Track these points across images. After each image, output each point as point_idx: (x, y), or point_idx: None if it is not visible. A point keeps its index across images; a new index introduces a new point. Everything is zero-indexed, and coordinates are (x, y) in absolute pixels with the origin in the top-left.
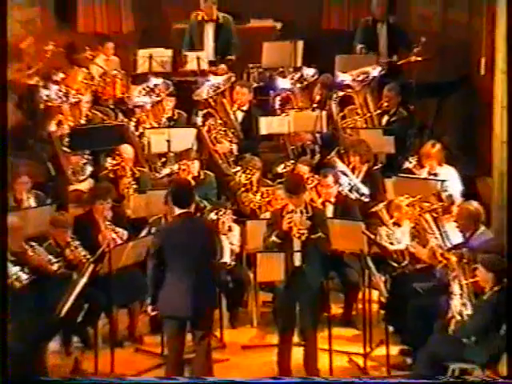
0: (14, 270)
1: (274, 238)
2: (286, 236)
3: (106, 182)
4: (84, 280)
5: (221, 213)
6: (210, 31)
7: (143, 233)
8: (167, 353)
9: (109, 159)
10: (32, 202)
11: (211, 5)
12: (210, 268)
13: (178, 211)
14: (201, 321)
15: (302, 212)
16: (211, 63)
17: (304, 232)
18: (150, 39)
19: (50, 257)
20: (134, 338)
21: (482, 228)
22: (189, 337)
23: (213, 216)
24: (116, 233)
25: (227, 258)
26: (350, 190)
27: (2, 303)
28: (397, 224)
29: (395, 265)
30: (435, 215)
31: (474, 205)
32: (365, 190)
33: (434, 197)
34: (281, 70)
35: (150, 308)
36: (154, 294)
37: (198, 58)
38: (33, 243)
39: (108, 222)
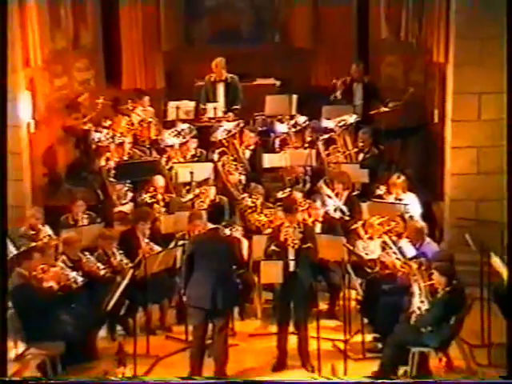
0: (71, 274)
1: (273, 247)
2: (282, 246)
3: (146, 206)
4: (125, 282)
5: (234, 229)
6: (220, 89)
7: (171, 245)
8: (192, 339)
9: (145, 187)
10: (85, 221)
11: (221, 69)
12: (231, 271)
13: (210, 226)
14: (221, 314)
15: (295, 227)
16: (224, 113)
17: (297, 242)
18: (177, 93)
19: (99, 264)
20: (164, 327)
21: (428, 239)
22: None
23: (227, 231)
24: (150, 248)
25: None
26: (335, 211)
27: (1, 303)
28: (370, 238)
29: (369, 270)
30: (390, 234)
31: (420, 222)
32: (346, 210)
33: (399, 217)
34: (279, 117)
35: (183, 295)
36: (185, 287)
37: (215, 109)
38: (86, 253)
39: (146, 239)
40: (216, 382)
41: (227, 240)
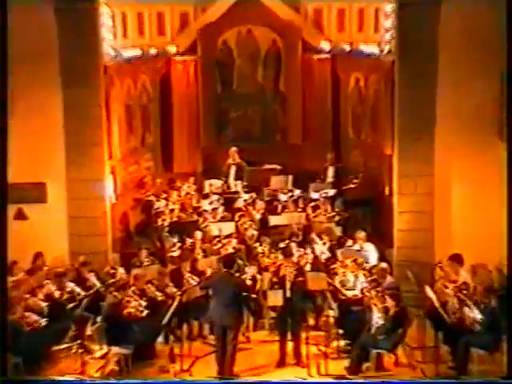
0: (143, 303)
1: (274, 279)
2: (282, 279)
3: (187, 251)
4: (175, 304)
5: (251, 268)
6: (232, 169)
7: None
8: (215, 345)
9: (188, 239)
10: (148, 263)
11: (233, 156)
12: (238, 301)
13: (224, 270)
14: (232, 329)
15: (291, 266)
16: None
17: (292, 277)
18: (210, 175)
19: (157, 293)
20: (201, 335)
21: (389, 277)
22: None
23: (247, 270)
24: (191, 281)
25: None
26: (321, 254)
27: (1, 304)
28: (344, 275)
29: (342, 296)
30: (363, 272)
31: (384, 264)
32: (328, 254)
33: (363, 260)
34: (280, 190)
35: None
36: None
37: (236, 185)
38: (149, 285)
39: (188, 275)
40: (216, 383)
41: (235, 279)
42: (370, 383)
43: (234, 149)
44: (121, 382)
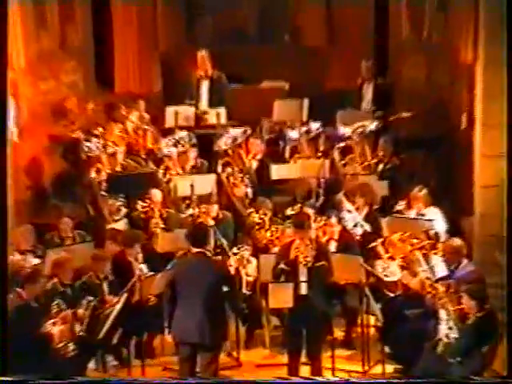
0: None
1: (282, 266)
2: (293, 265)
3: (135, 230)
4: (118, 308)
5: (242, 248)
6: (204, 87)
7: (169, 266)
8: (180, 371)
9: (140, 202)
10: (74, 240)
11: (205, 64)
12: (219, 302)
13: (194, 250)
14: (208, 348)
15: (307, 244)
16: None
17: (309, 260)
18: (176, 97)
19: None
20: (160, 356)
21: (465, 261)
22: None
23: (235, 250)
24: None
25: (243, 289)
26: (355, 226)
27: (1, 304)
28: (391, 258)
29: (390, 294)
30: (424, 251)
31: (458, 241)
32: (367, 226)
33: (423, 234)
34: (290, 123)
35: (166, 331)
36: (169, 320)
37: (218, 114)
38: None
39: (139, 262)
40: (214, 382)
41: (215, 265)
42: (373, 383)
43: (203, 52)
44: (123, 381)
